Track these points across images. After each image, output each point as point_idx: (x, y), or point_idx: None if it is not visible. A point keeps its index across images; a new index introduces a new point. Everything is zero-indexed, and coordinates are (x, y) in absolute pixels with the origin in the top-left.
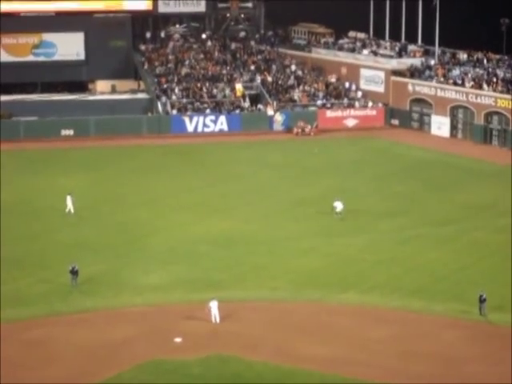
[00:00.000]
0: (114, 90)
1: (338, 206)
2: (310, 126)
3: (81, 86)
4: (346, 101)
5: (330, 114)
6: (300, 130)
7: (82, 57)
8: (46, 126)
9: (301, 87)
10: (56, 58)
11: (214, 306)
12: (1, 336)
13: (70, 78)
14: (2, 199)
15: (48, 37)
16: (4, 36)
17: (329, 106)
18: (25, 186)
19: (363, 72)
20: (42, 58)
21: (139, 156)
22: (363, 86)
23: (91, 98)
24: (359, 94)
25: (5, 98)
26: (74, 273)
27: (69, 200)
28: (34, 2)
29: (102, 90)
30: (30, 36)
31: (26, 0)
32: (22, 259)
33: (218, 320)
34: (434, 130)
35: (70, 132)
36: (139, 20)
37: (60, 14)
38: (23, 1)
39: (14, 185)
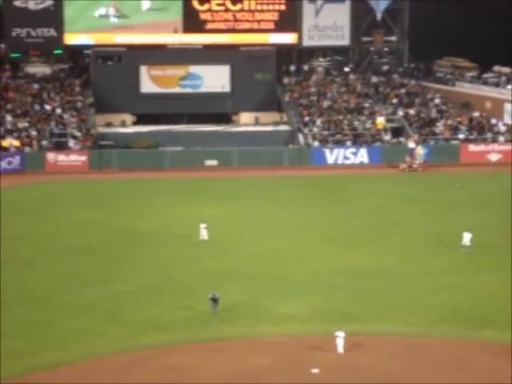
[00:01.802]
0: (257, 122)
1: (466, 237)
2: (417, 162)
3: (225, 118)
4: (489, 135)
5: (472, 148)
6: (407, 166)
7: (228, 89)
8: (190, 156)
9: (443, 121)
10: (202, 89)
11: (340, 336)
12: (142, 361)
13: (215, 109)
14: (145, 227)
15: (195, 69)
16: (152, 68)
17: (472, 139)
18: (168, 214)
19: (507, 107)
20: (188, 90)
21: (279, 187)
22: (507, 120)
23: (235, 129)
24: (503, 128)
25: (152, 128)
26: (215, 301)
27: (203, 228)
28: (182, 34)
29: (246, 121)
30: (177, 68)
31: (174, 33)
32: (163, 286)
33: (342, 351)
34: None
35: (214, 162)
36: (283, 53)
37: (207, 47)
38: (171, 34)
39: (157, 213)
